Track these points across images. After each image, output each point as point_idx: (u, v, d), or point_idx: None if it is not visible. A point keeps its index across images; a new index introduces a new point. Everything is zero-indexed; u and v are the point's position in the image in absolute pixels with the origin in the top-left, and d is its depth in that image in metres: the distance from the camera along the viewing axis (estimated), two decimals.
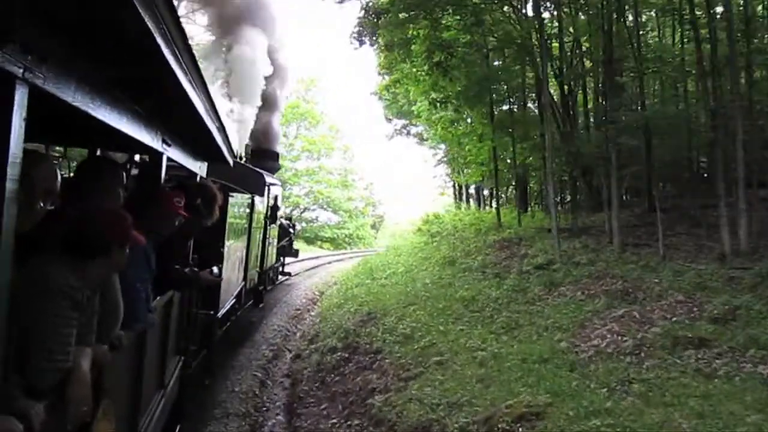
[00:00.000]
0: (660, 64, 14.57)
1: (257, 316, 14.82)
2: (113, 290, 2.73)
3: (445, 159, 35.24)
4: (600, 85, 16.79)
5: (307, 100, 49.47)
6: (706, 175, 16.68)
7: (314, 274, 25.19)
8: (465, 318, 10.18)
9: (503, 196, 31.44)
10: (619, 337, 7.87)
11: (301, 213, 46.45)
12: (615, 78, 14.37)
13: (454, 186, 38.71)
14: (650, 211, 17.20)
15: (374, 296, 13.81)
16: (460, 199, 36.69)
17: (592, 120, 19.97)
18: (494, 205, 26.98)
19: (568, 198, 27.45)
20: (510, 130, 18.77)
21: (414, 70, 19.36)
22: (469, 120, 22.00)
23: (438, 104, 17.79)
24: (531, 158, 19.73)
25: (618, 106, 13.81)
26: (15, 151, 1.56)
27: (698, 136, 14.11)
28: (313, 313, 17.69)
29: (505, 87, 19.70)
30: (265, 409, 9.28)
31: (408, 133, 40.47)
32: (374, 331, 10.69)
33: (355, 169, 53.23)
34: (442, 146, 33.73)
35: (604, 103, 16.38)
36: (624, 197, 18.05)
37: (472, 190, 34.85)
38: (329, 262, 30.84)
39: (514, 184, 21.05)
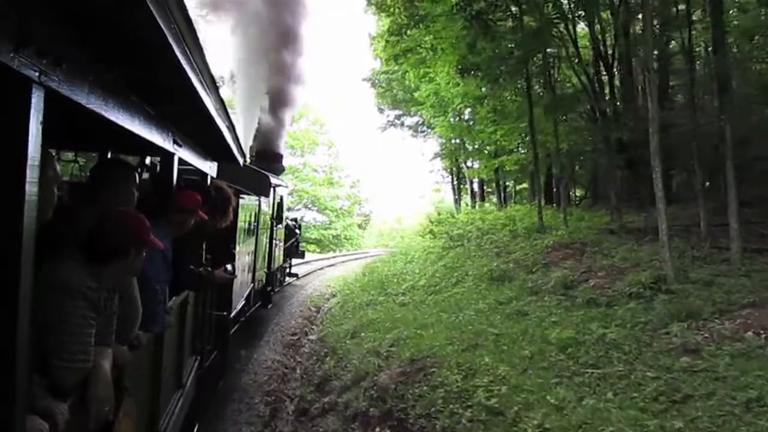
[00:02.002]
0: None
1: (246, 345, 11.71)
2: (132, 291, 2.72)
3: (442, 153, 31.61)
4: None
5: None
6: None
7: (307, 284, 21.86)
8: (576, 377, 6.49)
9: (504, 192, 28.05)
10: None
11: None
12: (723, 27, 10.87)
13: (452, 181, 35.19)
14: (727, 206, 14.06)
15: (405, 325, 10.08)
16: (460, 195, 33.18)
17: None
18: (515, 200, 23.69)
19: (578, 193, 24.20)
20: (552, 108, 15.13)
21: (431, 37, 15.72)
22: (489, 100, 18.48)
23: (469, 72, 14.10)
24: (568, 144, 16.35)
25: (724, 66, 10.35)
26: (33, 154, 1.53)
27: None
28: (312, 338, 14.70)
29: (541, 57, 16.11)
30: None
31: (402, 125, 37.43)
32: (429, 395, 6.96)
33: (341, 166, 50.07)
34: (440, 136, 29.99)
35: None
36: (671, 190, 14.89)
37: (476, 186, 31.38)
38: (320, 268, 27.46)
39: (559, 172, 17.38)
